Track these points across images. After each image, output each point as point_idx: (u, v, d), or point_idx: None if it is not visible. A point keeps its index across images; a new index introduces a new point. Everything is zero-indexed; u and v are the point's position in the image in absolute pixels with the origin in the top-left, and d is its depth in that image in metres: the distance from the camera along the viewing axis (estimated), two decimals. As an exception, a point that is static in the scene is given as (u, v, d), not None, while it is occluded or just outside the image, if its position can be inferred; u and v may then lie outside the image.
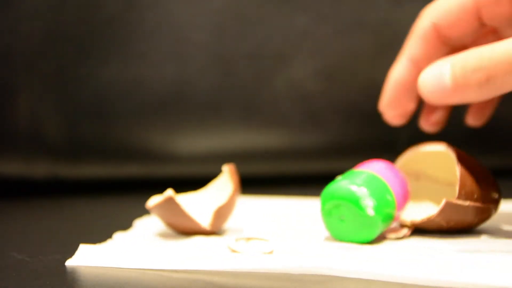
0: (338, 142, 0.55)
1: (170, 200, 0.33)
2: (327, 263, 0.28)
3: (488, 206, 0.33)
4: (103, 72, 0.53)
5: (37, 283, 0.27)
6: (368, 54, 0.54)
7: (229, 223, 0.38)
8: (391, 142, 0.54)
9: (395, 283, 0.26)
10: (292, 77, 0.54)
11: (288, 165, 0.56)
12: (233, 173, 0.36)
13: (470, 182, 0.32)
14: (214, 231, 0.34)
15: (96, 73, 0.53)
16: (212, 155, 0.54)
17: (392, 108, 0.37)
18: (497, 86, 0.29)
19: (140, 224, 0.38)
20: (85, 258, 0.30)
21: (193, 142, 0.54)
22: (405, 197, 0.34)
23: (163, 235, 0.35)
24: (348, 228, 0.32)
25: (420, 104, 0.39)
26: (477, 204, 0.32)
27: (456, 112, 0.41)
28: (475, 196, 0.32)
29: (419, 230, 0.35)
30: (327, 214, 0.33)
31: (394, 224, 0.35)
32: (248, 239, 0.32)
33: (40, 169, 0.54)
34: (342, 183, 0.32)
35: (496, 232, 0.34)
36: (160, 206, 0.34)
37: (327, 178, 0.36)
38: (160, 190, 0.36)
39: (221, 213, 0.34)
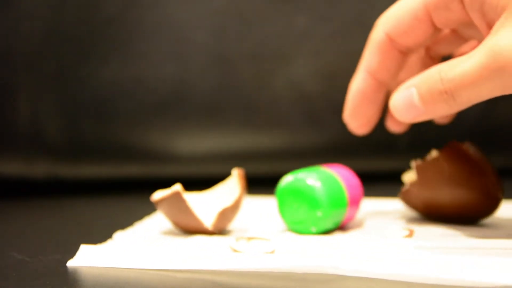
0: (338, 142, 0.55)
1: (177, 194, 0.33)
2: (330, 262, 0.28)
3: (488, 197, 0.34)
4: (103, 72, 0.53)
5: (37, 283, 0.27)
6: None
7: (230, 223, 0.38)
8: (391, 143, 0.54)
9: (395, 281, 0.26)
10: (292, 77, 0.54)
11: (288, 165, 0.56)
12: (241, 178, 0.36)
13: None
14: (215, 232, 0.34)
15: (96, 73, 0.53)
16: (212, 155, 0.54)
17: (354, 118, 0.37)
18: (463, 100, 0.29)
19: (140, 225, 0.38)
20: (86, 258, 0.30)
21: (193, 142, 0.54)
22: (357, 198, 0.36)
23: (164, 235, 0.35)
24: (299, 218, 0.34)
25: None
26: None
27: (458, 112, 0.41)
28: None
29: (419, 230, 0.35)
30: (282, 201, 0.35)
31: (386, 226, 0.35)
32: (249, 238, 0.32)
33: (40, 169, 0.54)
34: (300, 175, 0.34)
35: (497, 232, 0.34)
36: (166, 200, 0.34)
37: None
38: (160, 190, 0.36)
39: (225, 215, 0.34)
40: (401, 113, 0.32)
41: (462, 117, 0.42)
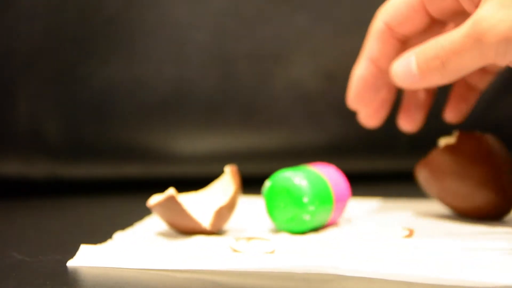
0: (338, 141, 0.55)
1: (171, 199, 0.33)
2: (330, 262, 0.28)
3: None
4: (103, 72, 0.53)
5: (37, 283, 0.27)
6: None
7: (229, 223, 0.37)
8: (391, 142, 0.54)
9: (395, 281, 0.26)
10: (292, 77, 0.54)
11: (288, 165, 0.56)
12: (235, 174, 0.36)
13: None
14: (214, 231, 0.34)
15: (96, 73, 0.53)
16: (212, 155, 0.54)
17: (357, 103, 0.39)
18: (451, 69, 0.32)
19: (140, 225, 0.38)
20: (86, 258, 0.30)
21: (193, 142, 0.54)
22: (343, 198, 0.36)
23: (164, 235, 0.35)
24: (284, 216, 0.34)
25: (397, 105, 0.40)
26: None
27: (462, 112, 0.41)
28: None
29: (419, 230, 0.35)
30: (269, 198, 0.35)
31: (386, 226, 0.35)
32: (249, 238, 0.32)
33: (39, 169, 0.53)
34: (287, 174, 0.35)
35: (497, 232, 0.34)
36: (161, 205, 0.33)
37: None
38: (160, 190, 0.36)
39: (222, 214, 0.34)
40: (399, 79, 0.34)
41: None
